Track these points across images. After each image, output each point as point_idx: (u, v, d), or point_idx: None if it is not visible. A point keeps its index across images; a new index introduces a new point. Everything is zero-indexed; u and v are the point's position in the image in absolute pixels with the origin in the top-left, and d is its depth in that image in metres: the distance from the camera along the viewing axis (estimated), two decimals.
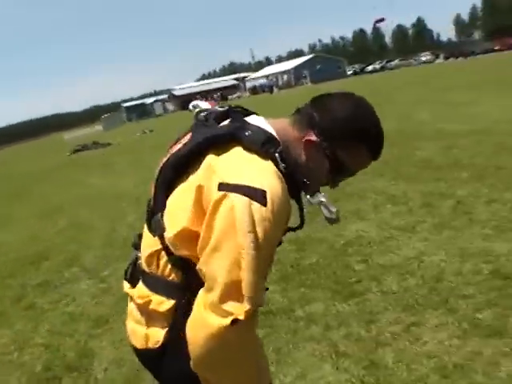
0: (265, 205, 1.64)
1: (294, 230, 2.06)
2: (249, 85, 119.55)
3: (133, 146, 30.49)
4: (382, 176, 9.30)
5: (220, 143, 1.85)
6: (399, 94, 25.69)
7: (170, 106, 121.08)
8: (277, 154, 1.80)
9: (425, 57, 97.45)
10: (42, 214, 13.93)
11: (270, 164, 1.77)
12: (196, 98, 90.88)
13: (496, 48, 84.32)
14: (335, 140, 1.88)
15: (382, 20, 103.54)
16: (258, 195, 1.65)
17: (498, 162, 8.89)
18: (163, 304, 1.92)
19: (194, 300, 1.75)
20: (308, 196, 2.25)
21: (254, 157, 1.79)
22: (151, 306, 1.95)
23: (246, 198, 1.64)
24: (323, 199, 2.37)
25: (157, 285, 1.97)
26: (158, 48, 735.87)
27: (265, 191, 1.66)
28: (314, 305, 5.10)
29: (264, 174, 1.73)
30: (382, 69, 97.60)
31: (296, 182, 1.91)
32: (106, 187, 16.02)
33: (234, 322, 1.61)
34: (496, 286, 4.72)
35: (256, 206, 1.64)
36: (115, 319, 5.92)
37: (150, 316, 1.99)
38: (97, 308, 6.43)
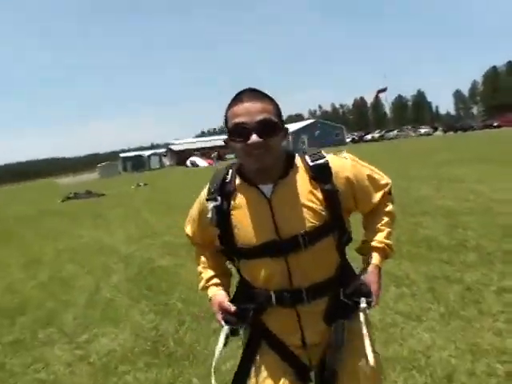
0: None
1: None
2: None
3: (126, 199, 30.02)
4: None
5: None
6: (396, 166, 25.32)
7: (167, 161, 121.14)
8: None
9: (424, 129, 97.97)
10: (24, 263, 13.44)
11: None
12: (194, 155, 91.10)
13: (495, 124, 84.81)
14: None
15: (384, 90, 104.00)
16: None
17: (507, 245, 8.42)
18: None
19: None
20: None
21: None
22: None
23: None
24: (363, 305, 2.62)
25: None
26: (159, 102, 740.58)
27: None
28: None
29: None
30: (381, 138, 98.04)
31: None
32: (94, 241, 15.50)
33: None
34: None
35: None
36: None
37: None
38: (69, 378, 5.92)
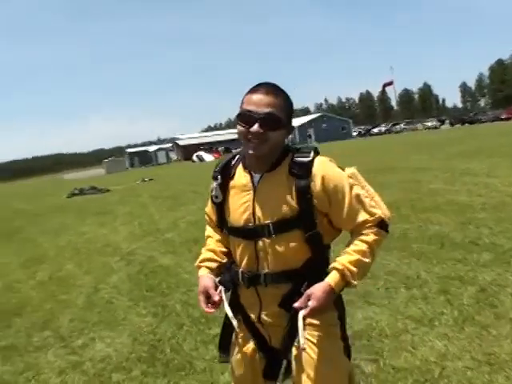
0: None
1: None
2: None
3: (131, 195, 29.69)
4: (391, 252, 8.36)
5: None
6: (405, 160, 24.89)
7: (174, 156, 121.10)
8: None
9: (431, 122, 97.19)
10: (24, 261, 13.18)
11: None
12: (200, 149, 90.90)
13: (503, 117, 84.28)
14: None
15: (390, 83, 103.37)
16: None
17: None
18: None
19: None
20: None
21: None
22: None
23: None
24: None
25: None
26: (166, 96, 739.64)
27: None
28: None
29: None
30: (388, 131, 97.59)
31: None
32: (97, 238, 15.24)
33: None
34: None
35: None
36: None
37: None
38: None
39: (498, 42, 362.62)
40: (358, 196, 2.80)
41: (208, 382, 5.16)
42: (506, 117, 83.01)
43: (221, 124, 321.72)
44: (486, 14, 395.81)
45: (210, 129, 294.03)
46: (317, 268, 2.84)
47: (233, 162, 3.05)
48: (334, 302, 2.84)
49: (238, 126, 2.78)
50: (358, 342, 5.32)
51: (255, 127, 2.69)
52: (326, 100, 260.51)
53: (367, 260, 2.74)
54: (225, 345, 3.20)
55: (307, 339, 2.75)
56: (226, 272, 3.08)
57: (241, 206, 2.91)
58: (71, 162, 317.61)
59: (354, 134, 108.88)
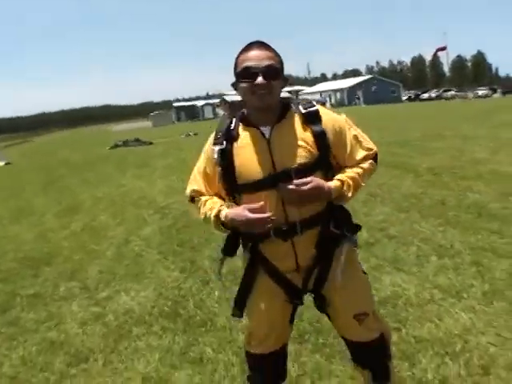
0: None
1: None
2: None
3: (174, 148, 29.77)
4: (427, 219, 8.18)
5: None
6: (452, 125, 24.39)
7: (221, 111, 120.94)
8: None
9: (482, 90, 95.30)
10: (60, 210, 13.43)
11: None
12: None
13: None
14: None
15: (443, 48, 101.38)
16: None
17: None
18: None
19: None
20: None
21: None
22: None
23: None
24: None
25: None
26: (215, 51, 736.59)
27: None
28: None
29: None
30: (438, 98, 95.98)
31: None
32: (134, 190, 15.30)
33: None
34: None
35: None
36: (96, 358, 5.13)
37: None
38: (80, 339, 5.62)
39: None
40: (356, 136, 3.16)
41: (226, 340, 5.10)
42: None
43: None
44: None
45: None
46: (334, 206, 3.10)
47: (232, 126, 3.13)
48: (348, 226, 3.15)
49: (241, 84, 2.94)
50: (382, 309, 5.19)
51: (259, 79, 2.84)
52: (377, 63, 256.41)
53: (361, 181, 3.11)
54: (241, 303, 3.27)
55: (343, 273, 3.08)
56: (231, 236, 3.22)
57: (257, 159, 2.98)
58: (120, 113, 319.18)
59: (404, 98, 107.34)
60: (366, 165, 3.15)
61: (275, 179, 2.92)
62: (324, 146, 3.00)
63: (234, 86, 3.07)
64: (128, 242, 9.23)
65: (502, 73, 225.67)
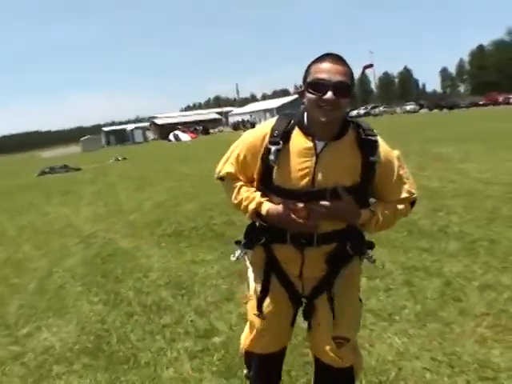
0: None
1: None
2: (231, 120, 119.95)
3: (101, 174, 29.23)
4: None
5: None
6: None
7: (151, 135, 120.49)
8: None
9: (410, 106, 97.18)
10: None
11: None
12: (177, 129, 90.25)
13: (481, 103, 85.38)
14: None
15: (370, 66, 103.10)
16: None
17: (492, 233, 7.78)
18: None
19: None
20: None
21: None
22: None
23: None
24: None
25: None
26: (146, 75, 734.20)
27: None
28: None
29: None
30: (366, 114, 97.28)
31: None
32: (60, 218, 14.80)
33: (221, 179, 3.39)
34: None
35: None
36: None
37: None
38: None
39: (481, 28, 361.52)
40: (401, 175, 3.14)
41: (150, 378, 4.85)
42: (484, 103, 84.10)
43: (200, 104, 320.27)
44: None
45: (189, 108, 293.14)
46: (356, 228, 3.18)
47: (288, 127, 3.12)
48: (359, 250, 3.25)
49: (309, 94, 2.92)
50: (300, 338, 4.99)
51: (329, 95, 2.81)
52: None
53: (389, 222, 3.15)
54: (261, 303, 3.36)
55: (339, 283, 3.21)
56: (253, 232, 3.35)
57: (301, 170, 3.02)
58: (49, 139, 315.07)
59: None
60: (401, 206, 3.17)
61: (309, 195, 2.98)
62: (369, 176, 3.03)
63: (300, 93, 3.04)
64: (51, 273, 8.80)
65: (428, 88, 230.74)
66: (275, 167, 3.07)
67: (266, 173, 3.13)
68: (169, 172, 22.54)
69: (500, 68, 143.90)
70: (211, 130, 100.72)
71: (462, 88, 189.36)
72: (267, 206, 3.11)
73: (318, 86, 2.86)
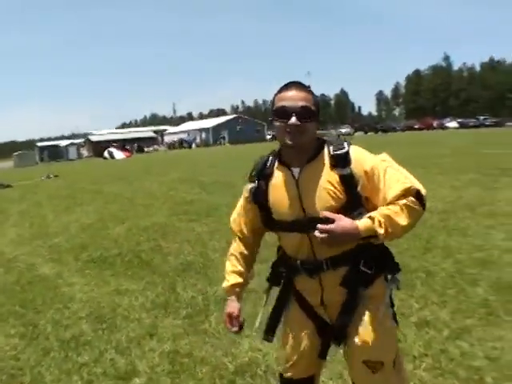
0: None
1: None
2: (167, 138, 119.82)
3: (32, 192, 28.34)
4: None
5: None
6: None
7: (85, 152, 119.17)
8: None
9: (345, 129, 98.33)
10: None
11: None
12: (112, 146, 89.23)
13: (416, 126, 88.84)
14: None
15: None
16: None
17: (429, 264, 7.65)
18: None
19: None
20: None
21: None
22: None
23: None
24: None
25: None
26: (82, 90, 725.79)
27: None
28: None
29: None
30: None
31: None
32: None
33: None
34: None
35: None
36: None
37: None
38: None
39: (419, 52, 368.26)
40: (392, 174, 2.99)
41: None
42: (419, 127, 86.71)
43: (136, 121, 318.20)
44: (407, 24, 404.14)
45: (125, 125, 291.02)
46: (368, 245, 3.02)
47: (268, 164, 3.22)
48: (383, 266, 3.16)
49: (276, 123, 3.02)
50: (240, 380, 4.78)
51: (293, 120, 2.90)
52: (242, 102, 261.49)
53: (397, 218, 2.86)
54: (273, 326, 3.38)
55: (365, 309, 3.10)
56: (275, 267, 3.44)
57: (287, 201, 3.08)
58: None
59: (268, 137, 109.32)
60: (403, 201, 2.93)
61: (304, 224, 3.01)
62: (351, 190, 2.99)
63: (270, 123, 3.15)
64: None
65: (364, 111, 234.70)
66: (269, 204, 3.17)
67: (262, 211, 3.24)
68: (99, 192, 22.05)
69: (435, 93, 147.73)
70: (146, 149, 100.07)
71: (396, 111, 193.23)
72: (229, 298, 3.39)
73: (282, 113, 2.96)
